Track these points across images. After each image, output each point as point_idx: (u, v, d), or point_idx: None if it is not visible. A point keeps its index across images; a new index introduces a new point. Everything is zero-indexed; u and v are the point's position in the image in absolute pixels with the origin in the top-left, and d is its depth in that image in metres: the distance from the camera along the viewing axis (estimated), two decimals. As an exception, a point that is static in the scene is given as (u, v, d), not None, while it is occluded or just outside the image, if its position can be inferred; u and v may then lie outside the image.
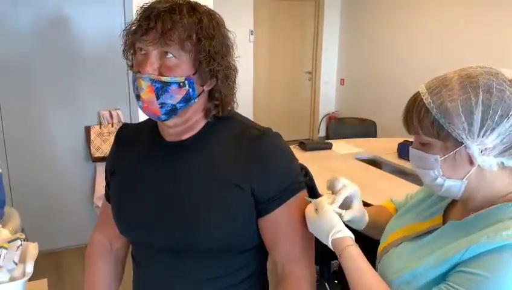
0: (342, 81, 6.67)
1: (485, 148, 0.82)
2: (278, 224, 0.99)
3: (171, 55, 0.90)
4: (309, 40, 6.59)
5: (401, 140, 3.24)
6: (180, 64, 0.90)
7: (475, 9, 4.49)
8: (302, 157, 3.15)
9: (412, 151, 0.92)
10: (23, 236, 1.36)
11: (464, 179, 0.86)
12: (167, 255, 1.02)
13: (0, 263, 1.22)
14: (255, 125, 1.04)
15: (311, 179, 2.39)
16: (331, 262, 2.64)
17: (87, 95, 3.15)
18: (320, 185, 2.35)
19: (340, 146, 3.44)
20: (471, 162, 0.84)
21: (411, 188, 2.60)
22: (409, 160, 0.93)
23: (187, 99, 0.94)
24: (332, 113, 6.75)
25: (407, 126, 0.91)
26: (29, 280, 1.34)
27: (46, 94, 3.07)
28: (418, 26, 5.16)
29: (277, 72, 6.52)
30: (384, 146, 3.40)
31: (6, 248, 1.26)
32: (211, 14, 0.94)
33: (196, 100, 0.96)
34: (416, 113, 0.87)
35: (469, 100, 0.81)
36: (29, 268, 1.26)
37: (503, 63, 4.13)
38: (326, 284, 2.77)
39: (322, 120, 6.78)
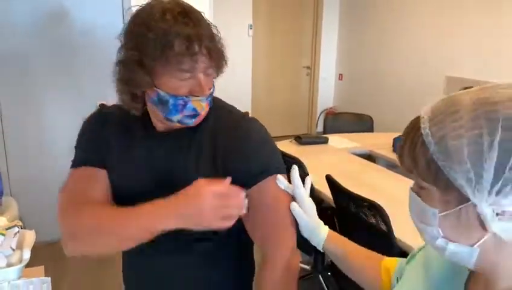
0: (340, 76, 6.69)
1: (503, 211, 0.56)
2: (251, 206, 0.99)
3: (211, 71, 0.98)
4: (308, 35, 6.60)
5: (396, 135, 3.27)
6: (212, 75, 1.00)
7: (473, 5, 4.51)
8: (298, 151, 3.19)
9: (411, 194, 0.66)
10: (21, 223, 1.40)
11: (475, 246, 0.61)
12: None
13: (-2, 249, 1.26)
14: (234, 110, 1.11)
15: (304, 172, 2.43)
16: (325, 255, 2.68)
17: (86, 88, 3.17)
18: (314, 179, 2.39)
19: (336, 141, 3.48)
20: (483, 226, 0.59)
21: (403, 182, 2.66)
22: None
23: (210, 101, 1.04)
24: (330, 108, 6.77)
25: (400, 159, 0.66)
26: (27, 266, 1.39)
27: (45, 86, 3.10)
28: (418, 21, 5.17)
29: (276, 66, 6.54)
30: (380, 141, 3.44)
31: (4, 235, 1.30)
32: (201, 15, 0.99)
33: None
34: (410, 146, 0.62)
35: (480, 139, 0.55)
36: (26, 254, 1.30)
37: (500, 65, 4.16)
38: (320, 276, 2.81)
39: (320, 115, 6.81)
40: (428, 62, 5.02)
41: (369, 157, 3.28)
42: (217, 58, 0.97)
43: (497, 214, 0.56)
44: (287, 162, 2.86)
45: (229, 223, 0.91)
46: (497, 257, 0.61)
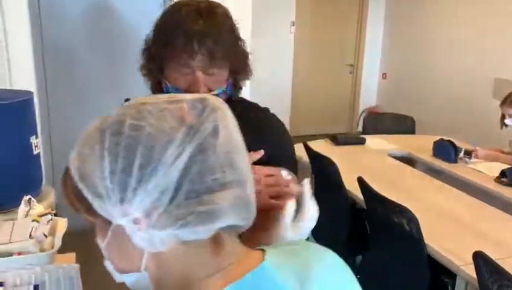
0: (384, 75, 6.54)
1: (137, 219, 0.53)
2: None
3: (215, 72, 0.97)
4: (352, 31, 6.49)
5: (438, 138, 3.16)
6: (222, 75, 0.99)
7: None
8: (332, 151, 3.15)
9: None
10: (54, 211, 1.47)
11: (142, 270, 0.58)
12: None
13: (33, 234, 1.33)
14: (255, 104, 1.14)
15: (336, 172, 2.40)
16: (356, 257, 2.64)
17: (133, 81, 3.26)
18: (347, 180, 2.36)
19: (374, 142, 3.41)
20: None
21: (440, 188, 2.58)
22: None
23: (227, 100, 1.02)
24: (373, 107, 6.63)
25: (70, 204, 0.60)
26: (60, 253, 1.45)
27: (93, 78, 3.21)
28: (467, 20, 4.96)
29: (317, 64, 6.47)
30: (420, 144, 3.33)
31: (38, 222, 1.37)
32: (227, 13, 0.99)
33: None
34: (64, 188, 0.60)
35: (93, 152, 0.55)
36: (58, 241, 1.36)
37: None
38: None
39: (361, 114, 6.69)
40: (476, 63, 4.81)
41: (408, 160, 3.19)
42: (222, 60, 0.96)
43: (136, 224, 0.53)
44: (318, 162, 2.82)
45: (283, 203, 0.92)
46: (164, 273, 0.58)
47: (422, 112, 5.17)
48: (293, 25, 6.07)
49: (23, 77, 3.14)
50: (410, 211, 1.82)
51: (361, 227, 2.46)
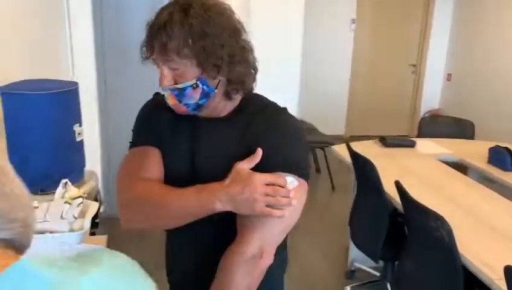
0: (448, 77, 6.22)
1: None
2: None
3: (175, 67, 1.01)
4: (415, 30, 6.23)
5: (494, 144, 2.97)
6: (186, 70, 1.01)
7: None
8: (380, 153, 3.07)
9: None
10: (85, 195, 1.58)
11: None
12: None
13: (63, 215, 1.43)
14: (273, 105, 1.14)
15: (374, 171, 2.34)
16: (395, 262, 2.56)
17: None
18: (388, 183, 2.29)
19: (425, 145, 3.27)
20: None
21: (492, 198, 2.42)
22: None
23: (206, 95, 1.05)
24: (435, 110, 6.34)
25: None
26: (92, 235, 1.55)
27: (147, 78, 3.38)
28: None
29: (378, 63, 6.29)
30: (475, 150, 3.15)
31: (70, 204, 1.47)
32: (204, 9, 0.99)
33: (216, 90, 1.06)
34: None
35: None
36: (87, 223, 1.46)
37: None
38: (388, 284, 2.70)
39: (423, 117, 6.41)
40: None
41: (460, 166, 3.02)
42: (181, 54, 0.98)
43: None
44: (358, 162, 2.75)
45: (278, 213, 0.95)
46: None
47: (484, 116, 4.87)
48: (353, 23, 5.95)
49: (85, 71, 3.39)
50: (443, 219, 1.74)
51: (400, 232, 2.39)
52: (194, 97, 1.04)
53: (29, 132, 1.69)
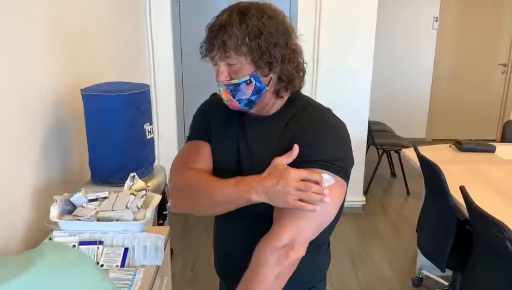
0: (546, 77, 5.69)
1: None
2: None
3: (232, 63, 1.11)
4: (506, 27, 5.77)
5: None
6: (241, 67, 1.11)
7: None
8: (454, 157, 2.93)
9: None
10: (149, 188, 1.72)
11: None
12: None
13: (128, 205, 1.59)
14: (320, 107, 1.20)
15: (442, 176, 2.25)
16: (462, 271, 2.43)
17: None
18: (452, 187, 2.19)
19: (506, 150, 3.05)
20: None
21: None
22: None
23: (258, 91, 1.14)
24: (529, 113, 5.84)
25: None
26: (159, 225, 1.69)
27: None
28: None
29: (463, 62, 5.93)
30: None
31: (135, 195, 1.62)
32: (259, 12, 1.09)
33: (267, 88, 1.14)
34: None
35: None
36: (149, 213, 1.59)
37: None
38: (456, 294, 2.58)
39: (508, 120, 5.93)
40: None
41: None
42: (239, 51, 1.07)
43: None
44: (426, 167, 2.65)
45: (310, 207, 0.99)
46: None
47: None
48: (437, 21, 5.68)
49: (164, 75, 3.65)
50: (507, 227, 1.64)
51: (467, 241, 2.27)
52: (246, 93, 1.13)
53: (105, 129, 1.87)
